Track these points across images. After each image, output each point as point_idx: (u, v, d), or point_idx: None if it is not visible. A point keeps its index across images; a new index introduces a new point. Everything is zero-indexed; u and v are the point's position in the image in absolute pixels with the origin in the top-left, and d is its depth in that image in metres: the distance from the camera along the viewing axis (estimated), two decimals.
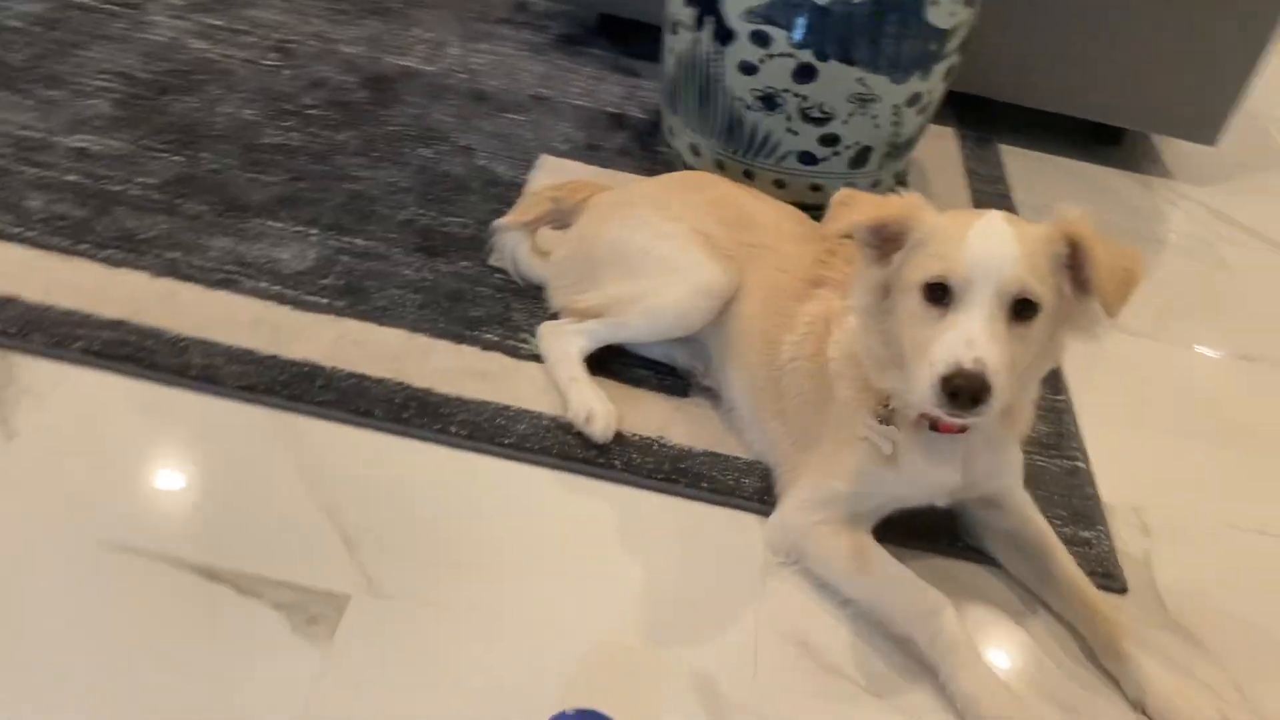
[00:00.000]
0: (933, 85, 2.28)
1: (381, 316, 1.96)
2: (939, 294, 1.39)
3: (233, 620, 1.41)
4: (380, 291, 2.02)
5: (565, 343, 1.89)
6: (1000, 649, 1.59)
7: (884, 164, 2.39)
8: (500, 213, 2.25)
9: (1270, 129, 3.68)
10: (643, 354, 1.97)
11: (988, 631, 1.62)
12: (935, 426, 1.54)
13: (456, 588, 1.51)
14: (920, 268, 1.41)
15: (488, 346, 1.94)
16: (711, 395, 1.92)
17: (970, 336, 1.34)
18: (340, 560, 1.52)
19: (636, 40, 3.13)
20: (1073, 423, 2.04)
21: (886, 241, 1.47)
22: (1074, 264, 1.42)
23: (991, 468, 1.62)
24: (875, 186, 2.42)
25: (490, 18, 3.16)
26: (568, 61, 2.98)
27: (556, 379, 1.87)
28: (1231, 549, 1.87)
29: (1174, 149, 3.31)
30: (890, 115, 2.26)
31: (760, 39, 2.16)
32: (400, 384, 1.82)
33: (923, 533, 1.71)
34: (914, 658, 1.52)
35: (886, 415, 1.57)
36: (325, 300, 1.97)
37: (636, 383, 1.93)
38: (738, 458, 1.81)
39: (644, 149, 2.65)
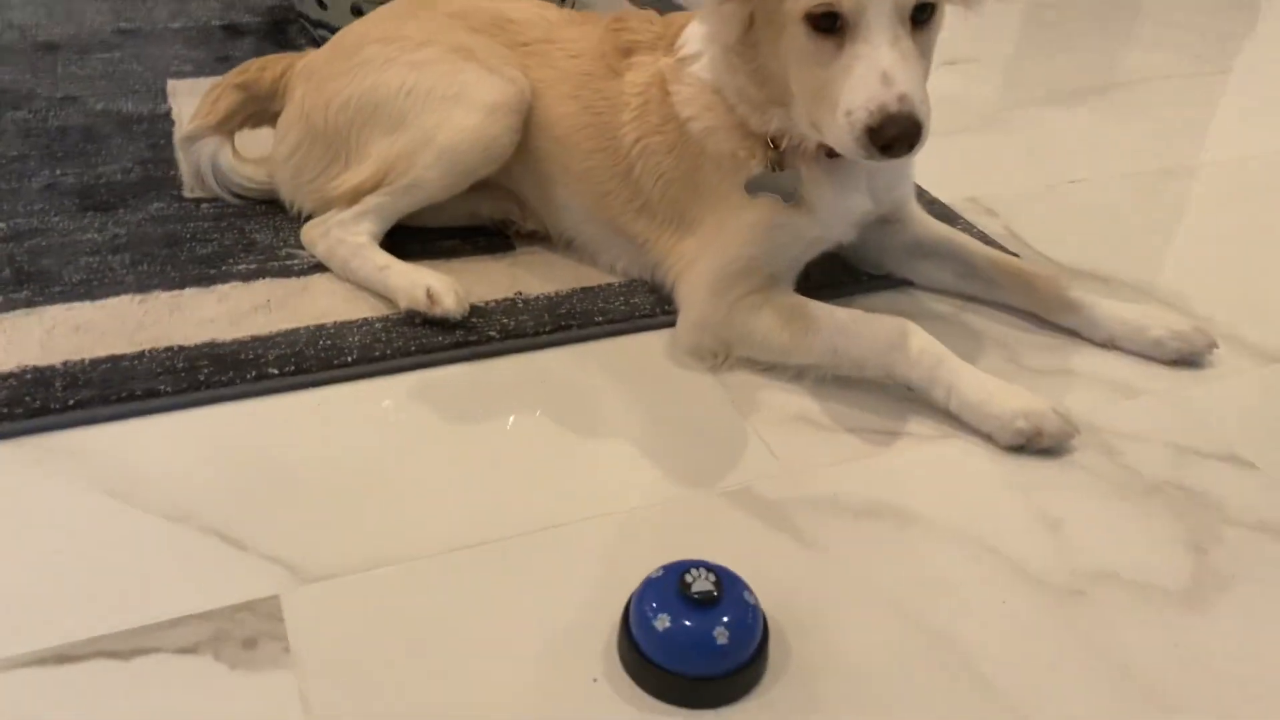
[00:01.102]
0: None
1: (89, 291, 1.43)
2: (829, 22, 1.17)
3: (140, 694, 0.93)
4: (69, 265, 1.48)
5: (347, 234, 1.49)
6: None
7: None
8: (158, 148, 1.78)
9: None
10: (439, 225, 1.61)
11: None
12: (833, 153, 1.34)
13: (401, 537, 1.11)
14: None
15: (247, 278, 1.49)
16: (539, 240, 1.61)
17: (884, 69, 1.14)
18: (237, 564, 1.06)
19: None
20: None
21: None
22: None
23: (893, 179, 1.46)
24: (564, 3, 2.16)
25: None
26: None
27: (364, 278, 1.47)
28: (1063, 201, 1.90)
29: None
30: None
31: None
32: (169, 348, 1.33)
33: (823, 282, 1.54)
34: (904, 393, 1.35)
35: (777, 159, 1.35)
36: (0, 298, 1.40)
37: (450, 255, 1.57)
38: (610, 283, 1.52)
39: (283, 39, 2.21)
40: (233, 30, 2.26)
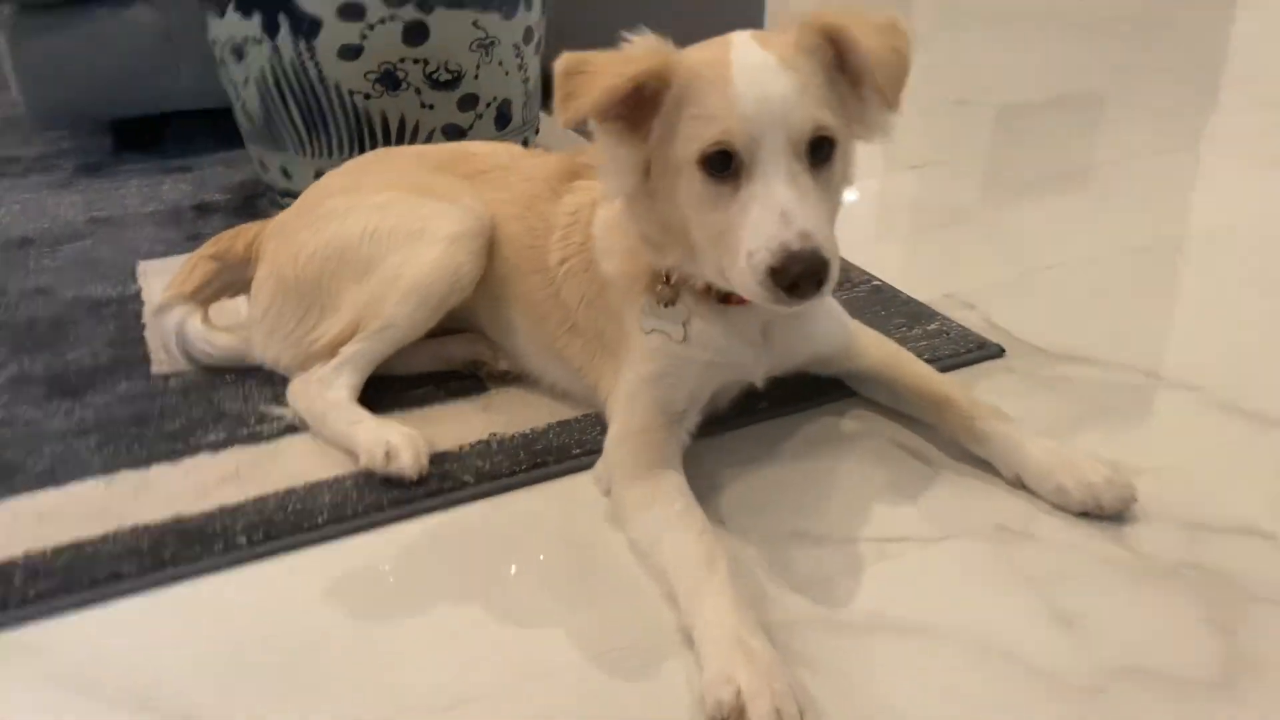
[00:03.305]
0: (537, 17, 2.11)
1: (54, 478, 1.39)
2: (722, 164, 1.14)
3: None
4: (33, 455, 1.44)
5: (326, 389, 1.47)
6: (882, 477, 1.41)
7: (526, 118, 2.18)
8: (128, 330, 1.78)
9: None
10: (410, 372, 1.59)
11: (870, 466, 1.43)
12: (725, 299, 1.31)
13: (379, 708, 1.05)
14: (689, 137, 1.15)
15: (216, 448, 1.45)
16: (512, 381, 1.58)
17: (783, 208, 1.10)
18: None
19: (168, 139, 2.70)
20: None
21: (637, 109, 1.19)
22: (841, 62, 1.20)
23: (802, 338, 1.40)
24: (526, 144, 2.20)
25: None
26: (106, 183, 2.47)
27: (335, 435, 1.44)
28: (1041, 287, 1.88)
29: None
30: (514, 58, 2.06)
31: (351, 12, 1.86)
32: (134, 528, 1.29)
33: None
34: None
35: (668, 294, 1.32)
36: None
37: (423, 403, 1.54)
38: (587, 414, 1.49)
39: (253, 212, 2.23)
40: (203, 209, 2.29)
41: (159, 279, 1.90)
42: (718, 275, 1.22)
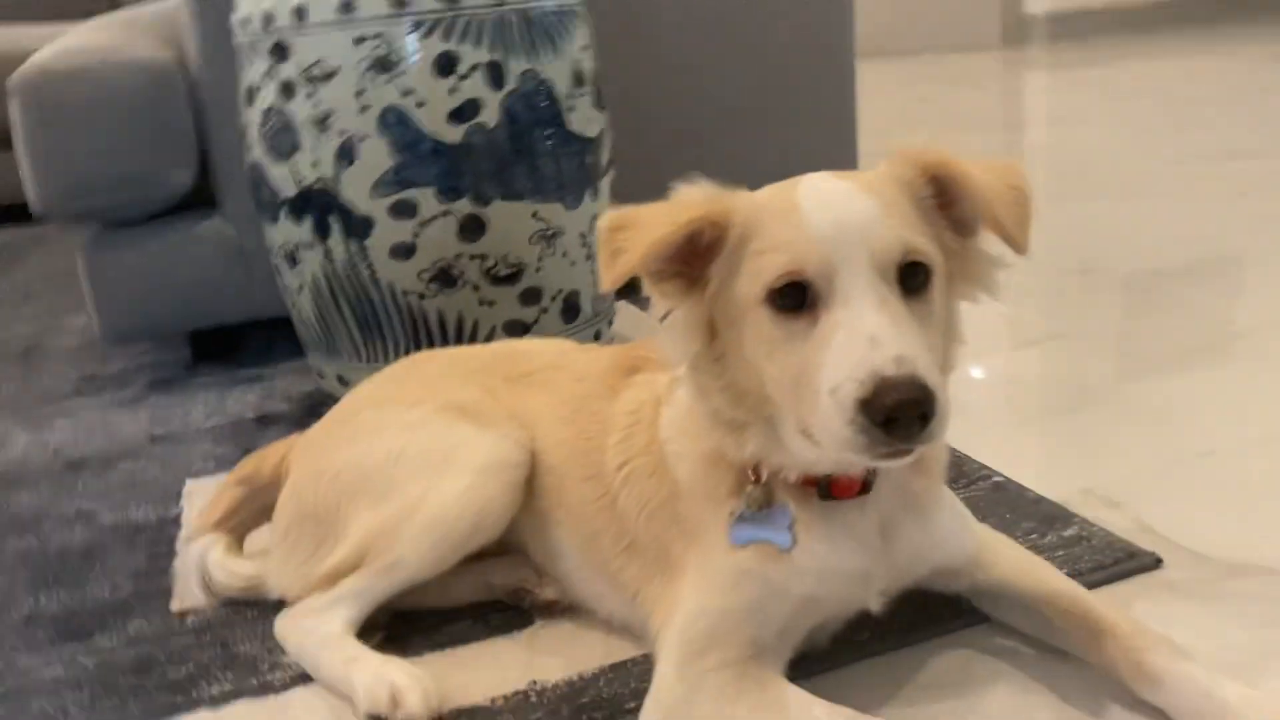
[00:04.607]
0: (605, 204, 1.99)
1: None
2: (795, 297, 0.96)
3: None
4: (19, 716, 1.26)
5: (320, 623, 1.27)
6: None
7: (597, 309, 2.03)
8: (157, 558, 1.64)
9: None
10: (446, 605, 1.37)
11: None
12: (829, 493, 1.09)
13: None
14: (756, 273, 0.98)
15: (217, 703, 1.25)
16: (565, 612, 1.35)
17: (871, 332, 0.91)
18: None
19: (246, 348, 2.65)
20: (950, 448, 1.69)
21: (692, 262, 1.04)
22: (944, 203, 1.04)
23: (927, 539, 1.16)
24: (598, 339, 2.04)
25: (55, 396, 2.51)
26: (175, 398, 2.39)
27: (330, 677, 1.23)
28: (1198, 478, 1.57)
29: None
30: (580, 248, 1.93)
31: (404, 210, 1.76)
32: None
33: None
34: None
35: (760, 495, 1.09)
36: None
37: (458, 641, 1.32)
38: (647, 655, 1.23)
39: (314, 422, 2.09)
40: (264, 420, 2.18)
41: (203, 499, 1.77)
42: (803, 439, 1.00)
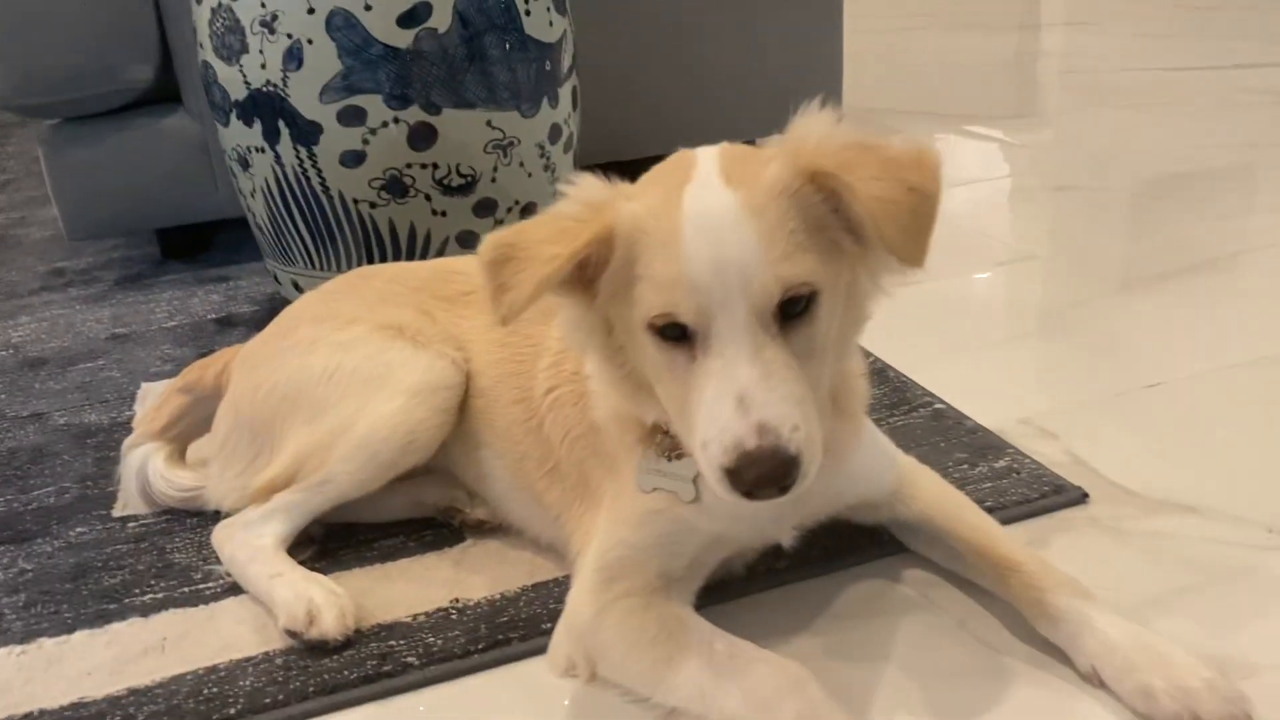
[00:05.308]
0: (566, 114, 1.95)
1: None
2: (677, 331, 0.94)
3: None
4: None
5: (250, 536, 1.29)
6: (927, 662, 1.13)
7: None
8: (104, 462, 1.65)
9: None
10: (378, 520, 1.39)
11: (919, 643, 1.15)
12: None
13: None
14: (639, 300, 0.95)
15: (148, 611, 1.28)
16: (495, 531, 1.37)
17: (740, 391, 0.89)
18: None
19: (216, 246, 2.64)
20: (897, 374, 1.69)
21: (582, 272, 0.99)
22: (838, 205, 0.96)
23: (843, 479, 1.15)
24: None
25: (21, 291, 2.50)
26: (140, 295, 2.39)
27: (255, 588, 1.26)
28: (1138, 412, 1.57)
29: None
30: (539, 159, 1.89)
31: (352, 116, 1.73)
32: (28, 715, 1.11)
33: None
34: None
35: (667, 443, 1.09)
36: None
37: (389, 556, 1.35)
38: (569, 575, 1.25)
39: None
40: (225, 322, 2.18)
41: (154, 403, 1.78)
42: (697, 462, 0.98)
